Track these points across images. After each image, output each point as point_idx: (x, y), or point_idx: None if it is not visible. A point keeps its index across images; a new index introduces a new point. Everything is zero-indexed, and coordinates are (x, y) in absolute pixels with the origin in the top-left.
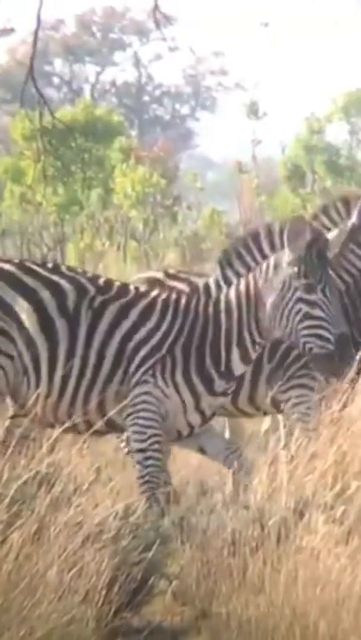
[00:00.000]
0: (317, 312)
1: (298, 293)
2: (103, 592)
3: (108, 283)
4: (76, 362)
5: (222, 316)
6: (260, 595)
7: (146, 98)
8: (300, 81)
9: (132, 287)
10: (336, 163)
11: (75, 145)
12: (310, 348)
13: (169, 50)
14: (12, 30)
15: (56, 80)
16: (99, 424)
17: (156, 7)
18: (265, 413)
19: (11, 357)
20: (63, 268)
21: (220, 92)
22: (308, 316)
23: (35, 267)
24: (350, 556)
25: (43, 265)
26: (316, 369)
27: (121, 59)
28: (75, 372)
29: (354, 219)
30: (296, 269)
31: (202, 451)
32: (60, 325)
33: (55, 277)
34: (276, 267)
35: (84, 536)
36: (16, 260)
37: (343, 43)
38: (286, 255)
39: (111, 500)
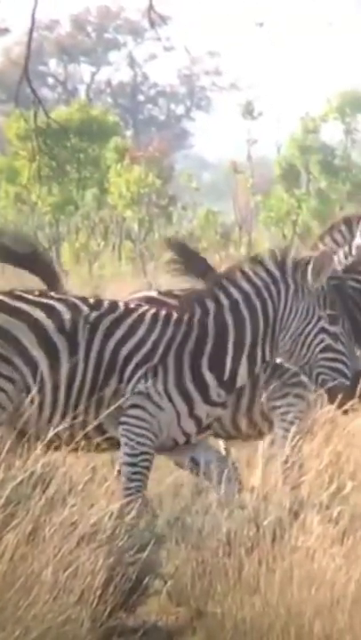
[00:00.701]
0: (339, 346)
1: (321, 323)
2: (98, 592)
3: (99, 301)
4: (78, 378)
5: (231, 327)
6: (255, 594)
7: (141, 98)
8: (295, 81)
9: (121, 303)
10: (331, 163)
11: (70, 145)
12: (324, 380)
13: (164, 50)
14: (6, 30)
15: (51, 80)
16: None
17: (150, 7)
18: (260, 435)
19: (12, 381)
20: (52, 294)
21: (215, 91)
22: (329, 349)
23: (24, 294)
24: (345, 555)
25: (31, 292)
26: (329, 400)
27: (116, 58)
28: (75, 387)
29: (358, 240)
30: (321, 299)
31: (194, 462)
32: (60, 344)
33: (46, 300)
34: (301, 293)
35: (79, 536)
36: (5, 292)
37: (338, 43)
38: (310, 284)
39: (106, 500)
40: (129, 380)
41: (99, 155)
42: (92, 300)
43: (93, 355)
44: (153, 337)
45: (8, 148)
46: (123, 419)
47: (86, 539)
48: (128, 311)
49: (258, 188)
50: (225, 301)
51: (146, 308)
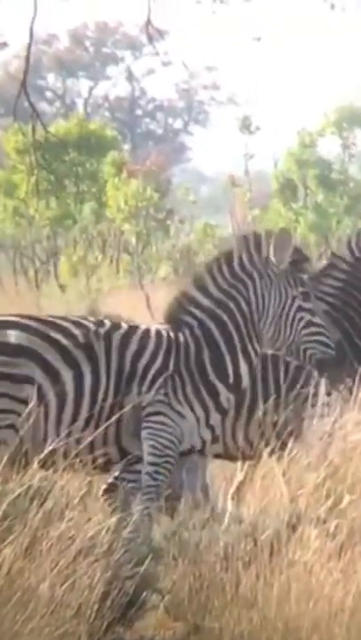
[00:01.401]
0: (316, 319)
1: (297, 302)
2: (95, 606)
3: (100, 321)
4: (101, 392)
5: (216, 333)
6: (252, 609)
7: (139, 112)
8: (292, 96)
9: (123, 323)
10: (328, 177)
11: (68, 159)
12: (313, 354)
13: (162, 64)
14: (4, 45)
15: (49, 94)
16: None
17: (148, 22)
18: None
19: (25, 402)
20: (53, 318)
21: (213, 106)
22: (310, 324)
23: (31, 319)
24: (343, 570)
25: (34, 317)
26: (322, 374)
27: (114, 73)
28: (99, 400)
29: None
30: (291, 279)
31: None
32: (81, 359)
33: (57, 321)
34: (269, 278)
35: (76, 550)
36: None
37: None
38: (276, 266)
39: (103, 513)
40: (148, 391)
41: (97, 169)
42: (93, 319)
43: (114, 367)
44: (163, 349)
45: (6, 161)
46: (146, 425)
47: (83, 553)
48: (132, 328)
49: (255, 202)
50: (199, 313)
51: (144, 325)
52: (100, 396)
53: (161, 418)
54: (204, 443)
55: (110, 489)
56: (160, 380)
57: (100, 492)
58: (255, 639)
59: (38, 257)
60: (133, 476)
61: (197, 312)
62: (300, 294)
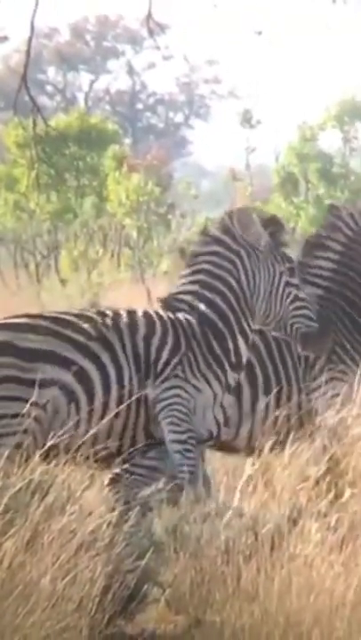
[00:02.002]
0: (301, 294)
1: (284, 278)
2: (97, 600)
3: (102, 312)
4: (126, 380)
5: (211, 313)
6: (253, 602)
7: (140, 106)
8: (293, 89)
9: (122, 310)
10: (329, 171)
11: (68, 153)
12: (299, 328)
13: (163, 58)
14: (5, 38)
15: (49, 88)
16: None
17: (149, 15)
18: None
19: (42, 407)
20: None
21: (214, 100)
22: (296, 299)
23: (40, 318)
24: (344, 563)
25: (43, 316)
26: (305, 348)
27: (115, 67)
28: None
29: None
30: (277, 256)
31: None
32: (100, 351)
33: (64, 316)
34: (255, 255)
35: (77, 544)
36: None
37: (337, 51)
38: (258, 244)
39: (104, 507)
40: (163, 370)
41: (97, 163)
42: (95, 310)
43: (130, 353)
44: (170, 329)
45: (7, 155)
46: (162, 402)
47: (85, 546)
48: (132, 313)
49: (256, 196)
50: (189, 297)
51: (141, 309)
52: (126, 382)
53: (177, 391)
54: (218, 426)
55: (116, 479)
56: (175, 360)
57: (106, 482)
58: (256, 633)
59: (39, 251)
60: (140, 469)
61: (189, 298)
62: (286, 270)
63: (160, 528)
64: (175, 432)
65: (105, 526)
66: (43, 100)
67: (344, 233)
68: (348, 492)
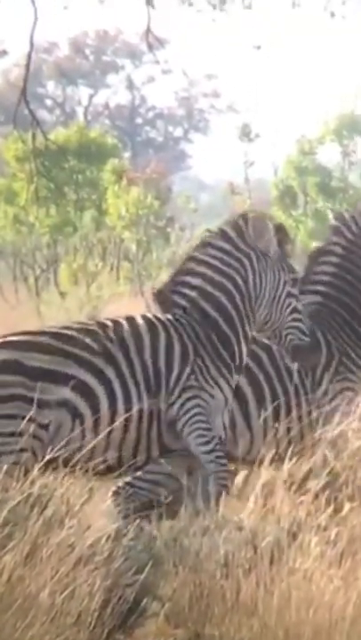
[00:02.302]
0: (299, 306)
1: (287, 288)
2: (95, 614)
3: (102, 323)
4: (133, 395)
5: (215, 313)
6: (253, 617)
7: (139, 120)
8: (292, 103)
9: (119, 319)
10: (328, 184)
11: (68, 166)
12: (292, 340)
13: (162, 72)
14: (4, 53)
15: (49, 102)
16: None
17: (148, 30)
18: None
19: (45, 427)
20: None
21: (213, 114)
22: (295, 310)
23: (45, 335)
24: (343, 577)
25: (47, 332)
26: (295, 360)
27: (114, 81)
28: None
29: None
30: (283, 265)
31: (189, 473)
32: (104, 367)
33: (66, 332)
34: (265, 260)
35: (76, 558)
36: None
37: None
38: (268, 251)
39: (103, 521)
40: (176, 384)
41: (97, 176)
42: (95, 323)
43: (138, 367)
44: (175, 335)
45: (6, 169)
46: (184, 417)
47: (84, 560)
48: (131, 320)
49: (255, 210)
50: (192, 293)
51: (137, 315)
52: (135, 400)
53: (195, 401)
54: (226, 431)
55: (118, 492)
56: (187, 370)
57: (110, 494)
58: None
59: (38, 264)
60: (144, 483)
61: (193, 293)
62: (290, 280)
63: (159, 542)
64: (204, 444)
65: (104, 540)
66: (42, 114)
67: (346, 236)
68: (347, 506)
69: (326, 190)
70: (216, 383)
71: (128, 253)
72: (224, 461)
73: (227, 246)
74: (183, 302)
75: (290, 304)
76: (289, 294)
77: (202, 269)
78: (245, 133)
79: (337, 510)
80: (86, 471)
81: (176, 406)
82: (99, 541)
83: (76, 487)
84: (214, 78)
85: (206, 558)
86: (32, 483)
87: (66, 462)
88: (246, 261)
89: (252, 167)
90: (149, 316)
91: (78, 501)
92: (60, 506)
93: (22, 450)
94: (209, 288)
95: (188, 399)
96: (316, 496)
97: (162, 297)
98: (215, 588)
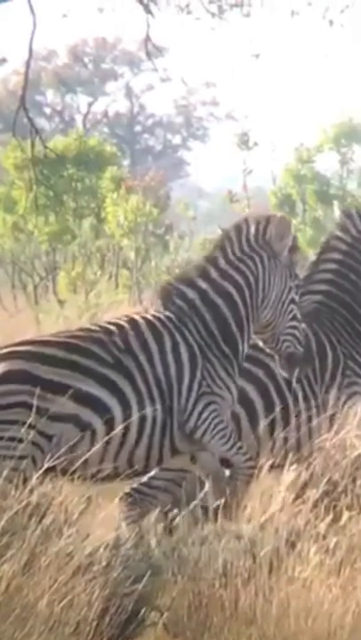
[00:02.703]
0: (299, 314)
1: (292, 294)
2: (94, 624)
3: (106, 329)
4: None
5: (225, 308)
6: (251, 626)
7: (138, 128)
8: (290, 112)
9: (120, 322)
10: (327, 192)
11: (66, 174)
12: (287, 347)
13: (161, 80)
14: (3, 60)
15: (48, 110)
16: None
17: (147, 38)
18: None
19: (49, 437)
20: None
21: (212, 122)
22: (294, 318)
23: (52, 345)
24: (342, 586)
25: (53, 342)
26: (286, 368)
27: (113, 89)
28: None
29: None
30: (291, 271)
31: (193, 459)
32: (115, 377)
33: (75, 341)
34: (275, 262)
35: (74, 567)
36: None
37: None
38: (277, 251)
39: (102, 530)
40: (188, 395)
41: (96, 184)
42: (98, 328)
43: (150, 376)
44: (180, 337)
45: (5, 177)
46: (202, 426)
47: (82, 570)
48: (133, 322)
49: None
50: (204, 284)
51: (137, 316)
52: (149, 415)
53: (211, 408)
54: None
55: (126, 498)
56: (197, 377)
57: (119, 498)
58: None
59: (37, 272)
60: (148, 489)
61: (203, 284)
62: (294, 286)
63: (158, 551)
64: (226, 444)
65: (102, 549)
66: (41, 122)
67: (351, 233)
68: (346, 515)
69: (325, 198)
70: (224, 384)
71: (127, 261)
72: (244, 451)
73: (246, 241)
74: (192, 295)
75: (292, 310)
76: (292, 300)
77: (216, 255)
78: (244, 141)
79: (336, 519)
80: (91, 478)
81: (193, 419)
82: (97, 550)
83: (75, 496)
84: (213, 86)
85: (205, 567)
86: (31, 491)
87: (67, 471)
88: (258, 259)
89: (251, 175)
90: (153, 321)
91: (77, 510)
92: (58, 514)
93: (21, 457)
94: (221, 281)
95: (204, 408)
96: (315, 505)
97: (166, 292)
98: (214, 597)
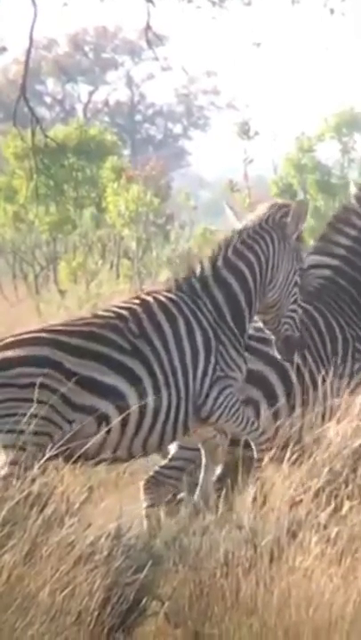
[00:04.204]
0: (299, 299)
1: (296, 277)
2: (95, 613)
3: (119, 314)
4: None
5: (237, 288)
6: (252, 616)
7: (138, 117)
8: (292, 100)
9: (131, 305)
10: (328, 182)
11: (67, 164)
12: (286, 330)
13: (161, 69)
14: (4, 49)
15: (48, 99)
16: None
17: (148, 27)
18: None
19: (70, 422)
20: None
21: (213, 111)
22: (295, 301)
23: (64, 334)
24: (343, 576)
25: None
26: (281, 350)
27: (113, 78)
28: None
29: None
30: (298, 254)
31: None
32: (133, 365)
33: (89, 329)
34: (285, 244)
35: (75, 557)
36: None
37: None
38: (289, 234)
39: (103, 520)
40: (202, 381)
41: (96, 174)
42: (111, 314)
43: (166, 362)
44: (193, 319)
45: (6, 167)
46: (217, 411)
47: (83, 559)
48: (145, 303)
49: (255, 207)
50: (220, 261)
51: (148, 297)
52: (165, 402)
53: (226, 392)
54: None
55: (151, 482)
56: (212, 363)
57: (142, 485)
58: None
59: (38, 262)
60: (168, 471)
61: (220, 263)
62: (298, 270)
63: (159, 541)
64: (240, 424)
65: (103, 539)
66: (41, 111)
67: None
68: (347, 505)
69: (326, 188)
70: (236, 364)
71: (128, 251)
72: (259, 428)
73: (259, 222)
74: (206, 273)
75: (295, 293)
76: (296, 284)
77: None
78: (245, 131)
79: (337, 509)
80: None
81: (209, 403)
82: (98, 540)
83: (76, 485)
84: (214, 75)
85: (206, 557)
86: (32, 481)
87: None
88: (269, 239)
89: (252, 164)
90: (158, 297)
91: (78, 500)
92: (59, 504)
93: (39, 433)
94: (234, 259)
95: (219, 392)
96: (316, 494)
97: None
98: (215, 586)
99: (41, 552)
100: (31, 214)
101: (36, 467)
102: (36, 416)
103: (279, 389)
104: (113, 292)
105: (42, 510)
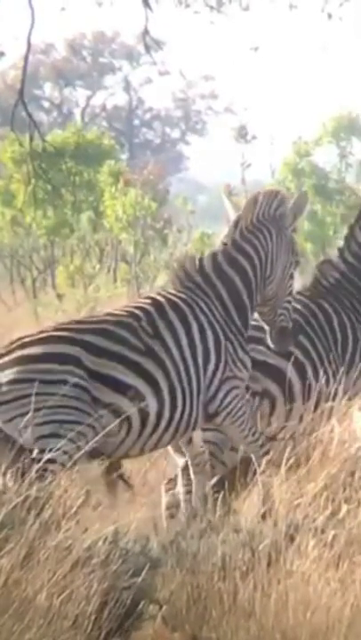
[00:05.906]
0: (294, 291)
1: (292, 269)
2: (93, 617)
3: (132, 313)
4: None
5: (238, 281)
6: (250, 619)
7: (136, 121)
8: (290, 105)
9: (140, 304)
10: (325, 186)
11: (65, 168)
12: (281, 321)
13: (159, 74)
14: (2, 54)
15: (46, 104)
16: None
17: (145, 31)
18: None
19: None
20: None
21: (211, 115)
22: (290, 293)
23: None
24: (341, 580)
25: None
26: (273, 340)
27: (111, 83)
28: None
29: None
30: (293, 247)
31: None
32: (147, 364)
33: (102, 326)
34: (282, 237)
35: (73, 560)
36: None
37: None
38: (287, 226)
39: (100, 523)
40: (211, 380)
41: (94, 178)
42: (124, 312)
43: (178, 360)
44: (202, 318)
45: (3, 171)
46: (224, 410)
47: (80, 563)
48: (156, 302)
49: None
50: (220, 256)
51: (157, 296)
52: (180, 403)
53: (234, 393)
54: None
55: (185, 469)
56: (222, 363)
57: (163, 486)
58: None
59: (36, 266)
60: (185, 480)
61: (220, 258)
62: (294, 262)
63: (156, 544)
64: (246, 436)
65: (101, 543)
66: (39, 115)
67: None
68: (344, 509)
69: (323, 192)
70: (242, 363)
71: (125, 255)
72: (266, 449)
73: (256, 216)
74: (208, 269)
75: (290, 285)
76: (291, 276)
77: (236, 236)
78: (242, 135)
79: (334, 513)
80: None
81: (216, 403)
82: (95, 544)
83: (73, 489)
84: (212, 80)
85: (204, 561)
86: (30, 485)
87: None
88: (268, 234)
89: (250, 169)
90: (167, 296)
91: (75, 504)
92: (57, 508)
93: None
94: (234, 253)
95: (227, 393)
96: (314, 498)
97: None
98: (213, 590)
99: (38, 556)
100: (29, 218)
101: (72, 461)
102: (76, 408)
103: (297, 386)
104: (111, 296)
105: (39, 514)
